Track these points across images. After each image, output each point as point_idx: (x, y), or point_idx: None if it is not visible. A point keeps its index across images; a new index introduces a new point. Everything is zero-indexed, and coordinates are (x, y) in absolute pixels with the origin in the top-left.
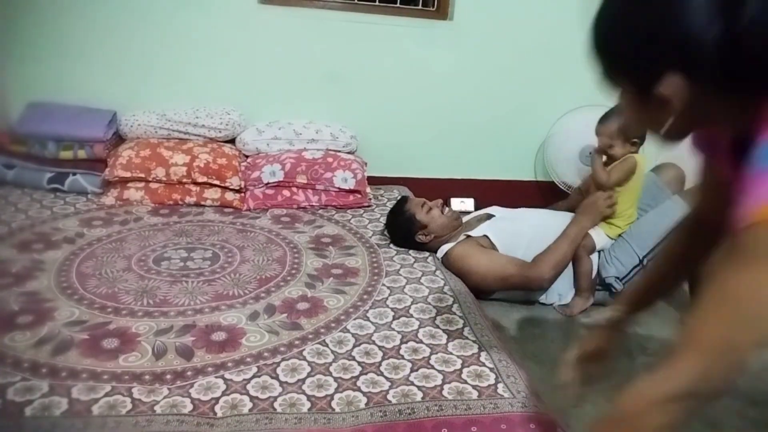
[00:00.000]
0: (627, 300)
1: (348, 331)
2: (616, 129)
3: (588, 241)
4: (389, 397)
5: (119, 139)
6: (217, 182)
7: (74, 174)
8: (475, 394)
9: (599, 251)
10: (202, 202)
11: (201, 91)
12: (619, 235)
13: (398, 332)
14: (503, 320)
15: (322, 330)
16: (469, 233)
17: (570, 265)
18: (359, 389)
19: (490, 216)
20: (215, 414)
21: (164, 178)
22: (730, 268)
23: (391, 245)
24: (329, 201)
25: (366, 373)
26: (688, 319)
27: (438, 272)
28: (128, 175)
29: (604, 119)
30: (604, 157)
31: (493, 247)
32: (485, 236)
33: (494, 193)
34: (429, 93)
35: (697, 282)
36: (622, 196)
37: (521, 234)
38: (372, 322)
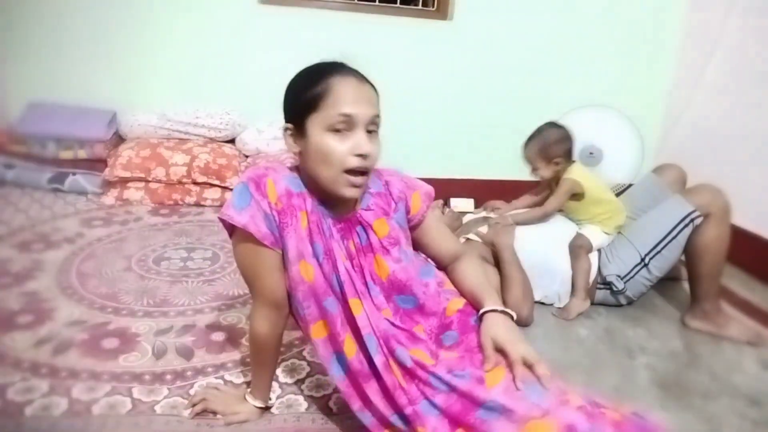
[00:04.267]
0: None
1: None
2: (536, 153)
3: (584, 241)
4: None
5: (119, 139)
6: (217, 182)
7: (74, 174)
8: None
9: (599, 249)
10: (202, 202)
11: (201, 91)
12: (619, 227)
13: None
14: None
15: None
16: (469, 236)
17: (569, 265)
18: None
19: (489, 217)
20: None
21: (164, 178)
22: (236, 254)
23: None
24: None
25: None
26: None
27: None
28: (128, 175)
29: (525, 145)
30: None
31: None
32: (483, 243)
33: (494, 193)
34: (429, 93)
35: (696, 282)
36: (590, 205)
37: (521, 238)
38: None
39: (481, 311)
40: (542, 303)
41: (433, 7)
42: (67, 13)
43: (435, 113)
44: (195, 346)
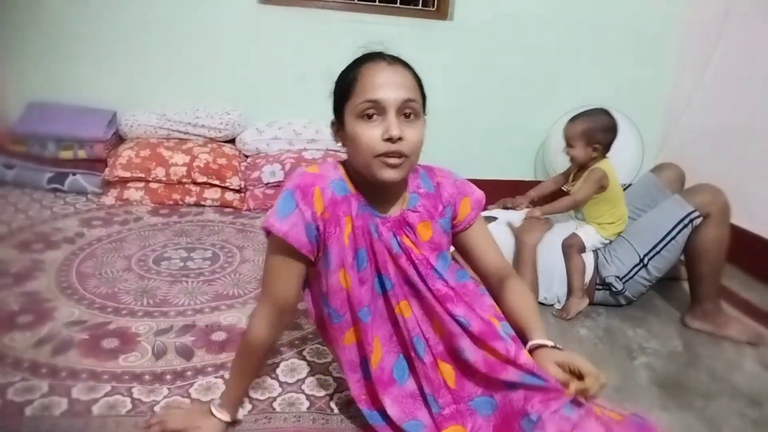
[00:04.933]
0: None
1: None
2: (580, 132)
3: (575, 240)
4: None
5: (119, 139)
6: (217, 182)
7: (74, 174)
8: None
9: (596, 251)
10: (202, 202)
11: (201, 91)
12: (618, 234)
13: None
14: None
15: None
16: None
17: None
18: None
19: (490, 218)
20: None
21: (164, 178)
22: (267, 255)
23: None
24: None
25: None
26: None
27: None
28: (128, 175)
29: (572, 121)
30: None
31: None
32: None
33: (494, 193)
34: (428, 93)
35: (696, 283)
36: (601, 203)
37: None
38: None
39: (532, 344)
40: (542, 304)
41: (433, 7)
42: (67, 13)
43: (434, 113)
44: (195, 346)
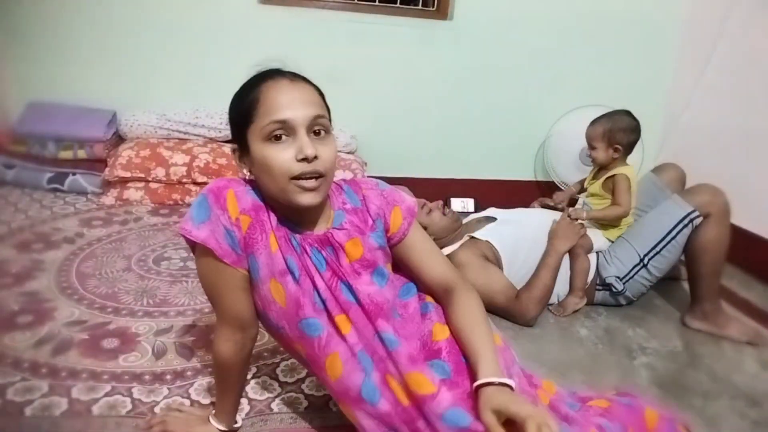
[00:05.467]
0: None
1: None
2: (600, 133)
3: (585, 241)
4: None
5: (119, 139)
6: None
7: (74, 174)
8: None
9: (597, 252)
10: None
11: (201, 91)
12: (619, 236)
13: None
14: (502, 321)
15: None
16: (473, 234)
17: (567, 264)
18: None
19: (490, 218)
20: None
21: (164, 178)
22: (199, 273)
23: None
24: None
25: None
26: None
27: None
28: (128, 175)
29: (593, 123)
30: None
31: (496, 254)
32: (488, 242)
33: (494, 193)
34: (429, 93)
35: (696, 283)
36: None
37: (524, 238)
38: None
39: (477, 383)
40: None
41: (433, 7)
42: (67, 13)
43: (435, 113)
44: (195, 346)
